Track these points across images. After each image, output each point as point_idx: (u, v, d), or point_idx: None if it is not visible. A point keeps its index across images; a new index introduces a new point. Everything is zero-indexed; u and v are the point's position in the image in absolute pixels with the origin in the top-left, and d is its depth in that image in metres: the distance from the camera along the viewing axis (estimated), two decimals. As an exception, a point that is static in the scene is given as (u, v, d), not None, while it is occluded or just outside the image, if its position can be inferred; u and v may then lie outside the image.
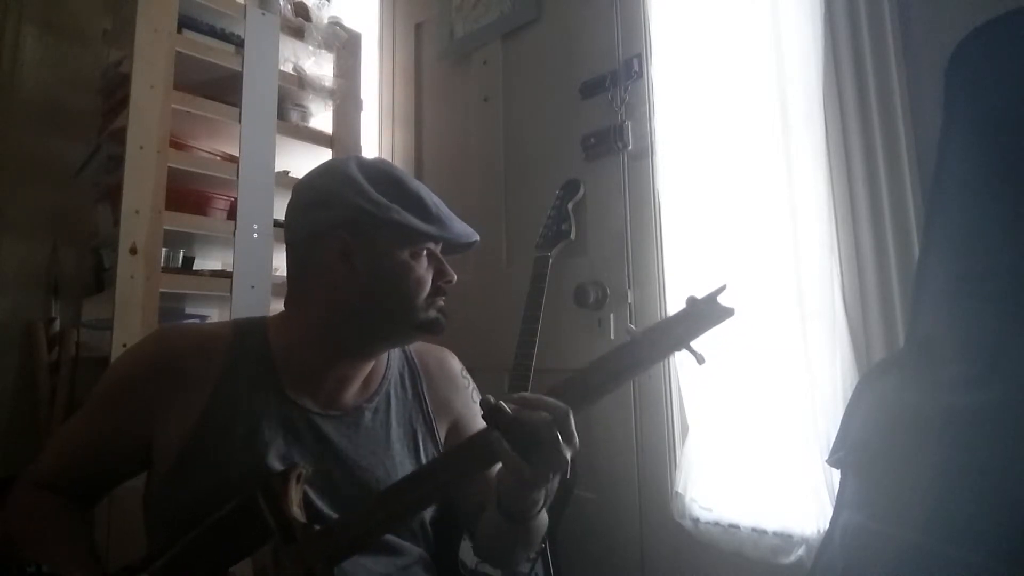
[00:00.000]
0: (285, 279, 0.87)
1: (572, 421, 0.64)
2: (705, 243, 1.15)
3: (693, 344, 0.66)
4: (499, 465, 0.89)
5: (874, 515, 0.76)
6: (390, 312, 0.80)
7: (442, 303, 0.83)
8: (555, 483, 0.70)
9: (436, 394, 0.91)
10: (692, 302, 0.67)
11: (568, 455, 0.64)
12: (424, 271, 0.80)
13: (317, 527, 0.66)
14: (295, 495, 0.67)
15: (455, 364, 0.97)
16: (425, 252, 0.81)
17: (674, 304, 1.19)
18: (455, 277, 0.84)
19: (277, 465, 0.73)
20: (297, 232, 0.83)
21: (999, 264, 0.74)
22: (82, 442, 0.79)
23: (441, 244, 0.84)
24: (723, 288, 0.66)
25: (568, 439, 0.64)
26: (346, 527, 0.66)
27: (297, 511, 0.66)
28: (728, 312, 0.66)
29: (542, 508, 0.74)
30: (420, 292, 0.80)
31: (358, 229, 0.78)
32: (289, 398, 0.79)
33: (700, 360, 0.66)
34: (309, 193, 0.82)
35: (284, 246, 0.88)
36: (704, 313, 0.66)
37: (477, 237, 0.86)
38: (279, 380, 0.80)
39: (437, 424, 0.89)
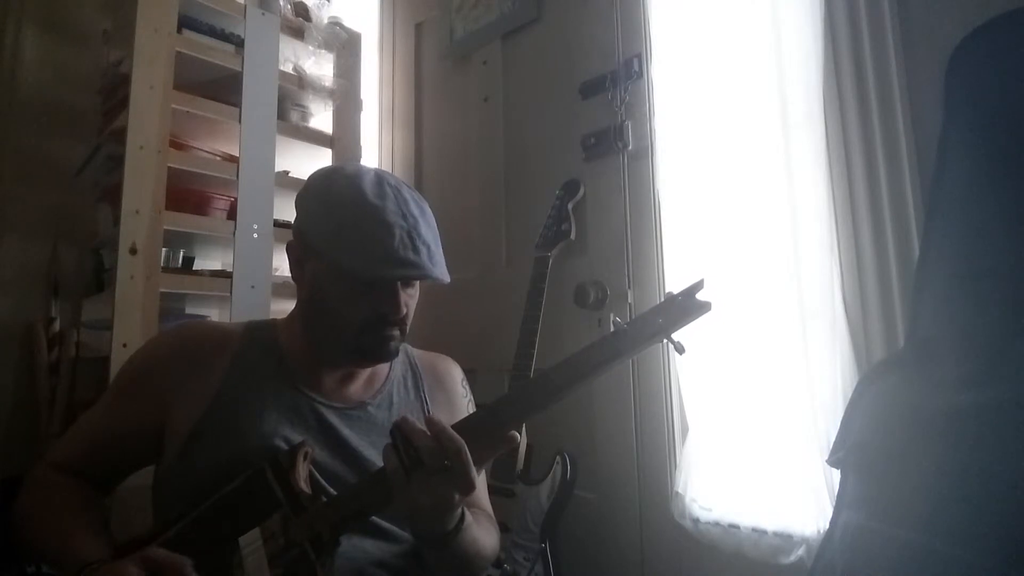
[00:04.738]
0: (286, 279, 0.89)
1: (466, 457, 0.63)
2: (705, 243, 1.15)
3: (674, 336, 0.69)
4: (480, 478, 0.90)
5: (874, 515, 0.76)
6: (326, 329, 0.81)
7: (392, 332, 0.80)
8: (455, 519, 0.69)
9: (436, 398, 0.93)
10: (670, 296, 0.69)
11: (467, 479, 0.63)
12: (362, 298, 0.77)
13: (324, 499, 0.69)
14: (302, 471, 0.70)
15: (456, 373, 0.99)
16: (372, 282, 0.78)
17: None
18: (404, 310, 0.79)
19: (283, 446, 0.76)
20: None
21: (999, 264, 0.74)
22: (101, 427, 0.82)
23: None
24: (701, 283, 0.69)
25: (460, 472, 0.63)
26: (351, 498, 0.70)
27: (304, 486, 0.69)
28: (705, 306, 0.68)
29: (459, 531, 0.70)
30: (354, 317, 0.78)
31: (304, 242, 0.81)
32: (296, 387, 0.82)
33: (680, 350, 0.69)
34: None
35: (284, 246, 0.89)
36: (683, 307, 0.68)
37: (421, 277, 0.79)
38: (287, 370, 0.83)
39: None
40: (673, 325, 0.68)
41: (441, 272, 0.79)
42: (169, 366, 0.81)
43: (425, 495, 0.64)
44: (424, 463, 0.63)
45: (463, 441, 0.63)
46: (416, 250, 0.75)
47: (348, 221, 0.76)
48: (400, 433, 0.65)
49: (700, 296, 0.68)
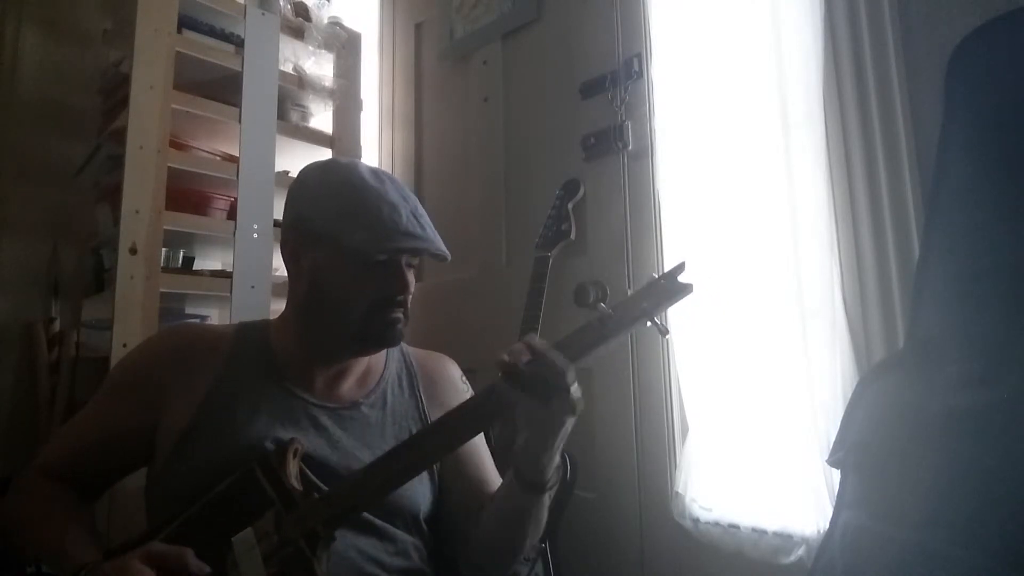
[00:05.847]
0: (286, 279, 0.89)
1: (573, 372, 0.68)
2: (705, 243, 1.15)
3: (658, 319, 0.71)
4: (489, 463, 0.90)
5: (874, 515, 0.76)
6: (327, 321, 0.81)
7: (397, 314, 0.81)
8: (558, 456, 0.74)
9: (433, 396, 0.93)
10: (652, 280, 0.72)
11: (576, 398, 0.69)
12: (367, 280, 0.79)
13: (316, 495, 0.70)
14: (292, 468, 0.71)
15: (454, 370, 0.99)
16: (379, 261, 0.79)
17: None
18: (410, 290, 0.82)
19: (273, 447, 0.76)
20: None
21: (999, 263, 0.74)
22: (90, 430, 0.81)
23: (404, 255, 0.82)
24: (682, 266, 0.71)
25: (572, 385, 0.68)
26: (345, 492, 0.70)
27: (295, 483, 0.70)
28: (687, 288, 0.70)
29: (555, 481, 0.76)
30: (359, 302, 0.79)
31: (302, 232, 0.82)
32: (288, 387, 0.82)
33: (663, 332, 0.72)
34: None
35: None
36: (665, 289, 0.70)
37: (433, 250, 0.82)
38: (279, 371, 0.83)
39: None
40: (656, 308, 0.70)
41: (443, 247, 0.83)
42: (161, 367, 0.81)
43: (536, 413, 0.68)
44: (553, 385, 0.67)
45: (567, 360, 0.67)
46: (423, 227, 0.80)
47: (353, 203, 0.79)
48: (510, 358, 0.68)
49: (682, 278, 0.70)
